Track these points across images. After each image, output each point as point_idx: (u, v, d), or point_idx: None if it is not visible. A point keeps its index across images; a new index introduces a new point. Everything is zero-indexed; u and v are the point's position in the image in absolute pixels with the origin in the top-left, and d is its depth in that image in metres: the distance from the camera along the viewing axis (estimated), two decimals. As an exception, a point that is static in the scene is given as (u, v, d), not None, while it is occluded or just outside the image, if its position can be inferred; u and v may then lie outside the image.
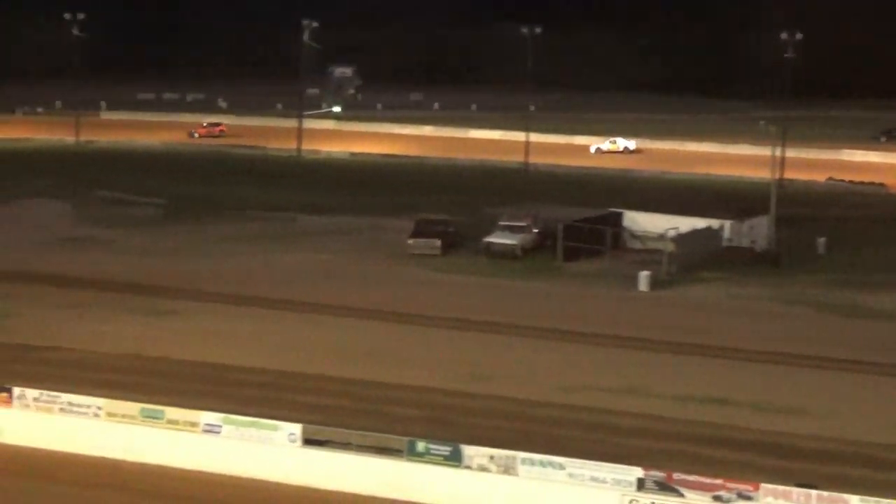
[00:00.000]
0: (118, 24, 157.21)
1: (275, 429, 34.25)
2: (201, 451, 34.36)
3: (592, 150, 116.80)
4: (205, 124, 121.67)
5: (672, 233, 62.05)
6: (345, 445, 33.73)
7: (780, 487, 29.74)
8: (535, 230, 65.96)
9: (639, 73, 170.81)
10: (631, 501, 30.86)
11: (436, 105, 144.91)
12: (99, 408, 35.85)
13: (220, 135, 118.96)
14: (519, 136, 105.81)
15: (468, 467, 32.41)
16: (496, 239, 65.00)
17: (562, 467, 31.86)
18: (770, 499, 29.67)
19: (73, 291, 54.78)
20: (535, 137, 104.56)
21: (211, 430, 34.68)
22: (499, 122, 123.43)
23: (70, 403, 36.15)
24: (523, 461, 32.13)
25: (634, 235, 67.17)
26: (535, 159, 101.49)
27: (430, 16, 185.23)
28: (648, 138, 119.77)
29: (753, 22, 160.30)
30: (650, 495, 30.87)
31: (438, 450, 32.75)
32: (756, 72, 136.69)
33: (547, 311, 53.21)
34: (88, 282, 56.73)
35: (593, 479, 31.45)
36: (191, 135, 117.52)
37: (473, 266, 62.48)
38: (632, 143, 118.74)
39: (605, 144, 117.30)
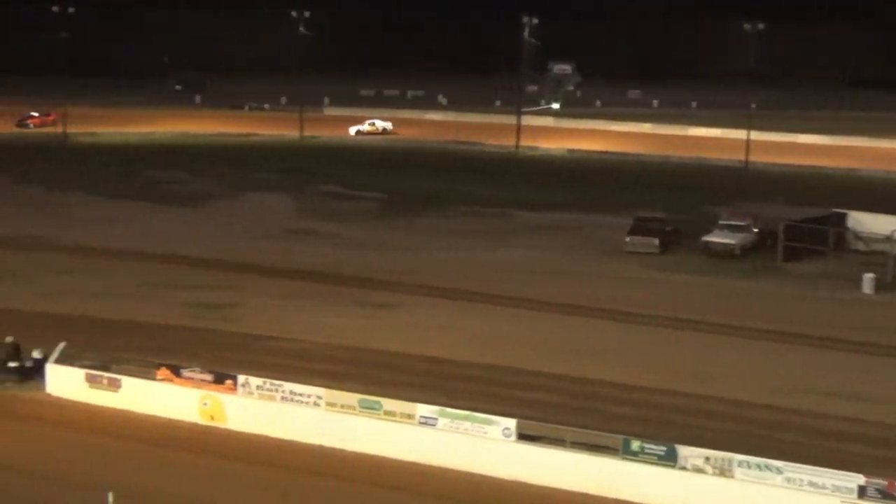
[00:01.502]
0: (342, 22, 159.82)
1: (489, 423, 34.43)
2: (417, 443, 34.82)
3: (352, 131, 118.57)
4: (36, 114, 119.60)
5: (899, 234, 60.15)
6: (559, 442, 33.74)
7: None
8: (755, 229, 64.65)
9: (866, 71, 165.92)
10: (851, 510, 30.08)
11: (655, 102, 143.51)
12: (319, 397, 36.70)
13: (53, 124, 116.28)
14: (739, 133, 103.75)
15: (683, 468, 32.06)
16: (715, 238, 64.00)
17: (779, 471, 31.21)
18: None
19: (295, 283, 56.20)
20: (755, 135, 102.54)
21: (426, 422, 35.11)
22: (719, 119, 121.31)
23: (291, 392, 37.12)
24: (740, 463, 31.60)
25: (858, 237, 65.29)
26: (755, 157, 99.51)
27: (651, 12, 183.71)
28: (868, 137, 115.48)
29: None
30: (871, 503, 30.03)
31: (653, 449, 32.49)
32: None
33: (766, 312, 52.11)
34: (309, 273, 58.00)
35: (812, 484, 30.72)
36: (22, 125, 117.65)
37: (691, 265, 61.64)
38: (389, 125, 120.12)
39: (365, 126, 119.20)
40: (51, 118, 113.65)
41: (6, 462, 23.60)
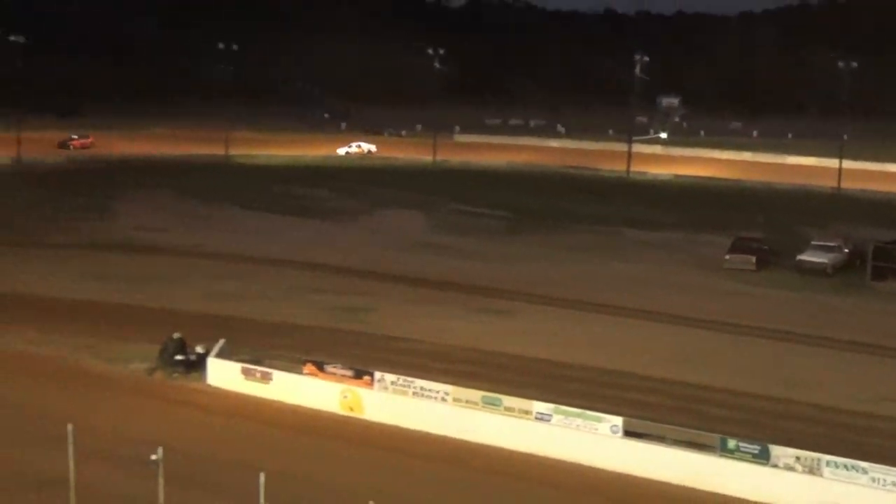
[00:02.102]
0: (473, 55, 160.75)
1: (599, 420, 34.66)
2: (533, 436, 35.10)
3: (341, 151, 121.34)
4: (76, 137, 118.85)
5: None
6: (661, 439, 33.89)
7: None
8: (846, 250, 63.94)
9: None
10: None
11: (754, 132, 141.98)
12: (446, 393, 37.23)
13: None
14: (832, 162, 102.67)
15: (775, 466, 32.00)
16: (808, 257, 63.41)
17: (865, 472, 31.00)
18: None
19: (425, 290, 56.73)
20: (847, 164, 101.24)
21: (542, 418, 35.44)
22: (813, 148, 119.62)
23: (422, 388, 37.65)
24: (828, 463, 31.43)
25: None
26: (847, 184, 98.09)
27: (751, 49, 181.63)
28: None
29: None
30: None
31: (748, 448, 32.46)
32: None
33: (854, 325, 51.43)
34: (437, 282, 58.56)
35: (874, 481, 30.56)
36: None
37: (785, 281, 61.07)
38: (373, 147, 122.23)
39: (352, 147, 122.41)
40: (89, 140, 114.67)
41: (171, 444, 24.43)
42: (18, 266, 59.51)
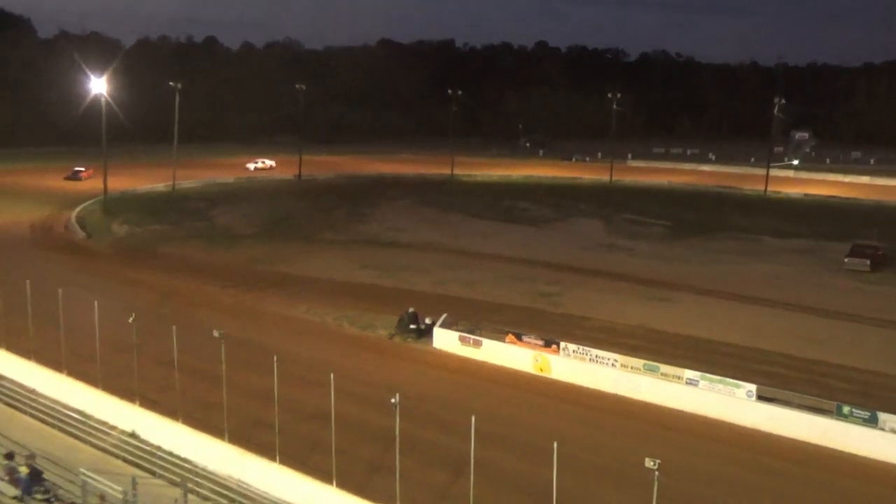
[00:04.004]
0: (643, 99, 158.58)
1: (737, 386, 33.85)
2: (684, 397, 34.57)
3: (251, 167, 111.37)
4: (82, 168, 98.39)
5: None
6: (788, 403, 32.86)
7: None
8: (950, 257, 60.32)
9: None
10: None
11: (871, 160, 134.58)
12: (615, 360, 36.92)
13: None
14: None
15: (882, 429, 30.54)
16: (917, 260, 60.17)
17: (959, 437, 29.36)
18: None
19: (603, 281, 56.00)
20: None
21: (691, 382, 34.79)
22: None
23: (596, 356, 37.46)
24: (928, 429, 29.84)
25: None
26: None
27: (872, 92, 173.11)
28: None
29: None
30: None
31: (859, 413, 31.11)
32: None
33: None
34: (612, 274, 57.76)
35: None
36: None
37: (893, 282, 57.78)
38: (273, 162, 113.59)
39: (258, 164, 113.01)
40: (91, 172, 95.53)
41: (405, 390, 24.96)
42: (304, 256, 61.99)
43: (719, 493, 26.70)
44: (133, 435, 30.67)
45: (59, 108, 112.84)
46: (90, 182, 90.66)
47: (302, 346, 39.82)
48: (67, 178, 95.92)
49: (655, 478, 19.37)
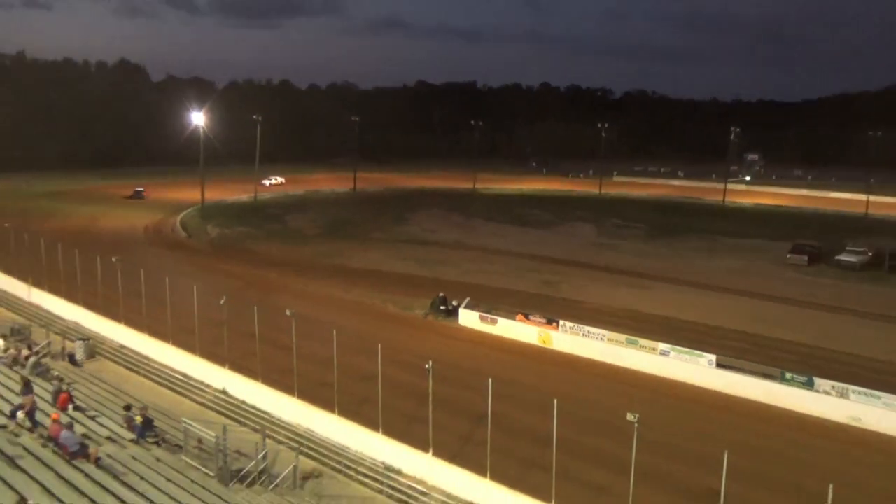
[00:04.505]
0: (625, 128, 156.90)
1: (701, 356, 33.63)
2: (658, 364, 34.38)
3: (266, 183, 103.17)
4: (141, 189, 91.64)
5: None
6: (742, 370, 32.58)
7: None
8: (871, 253, 59.17)
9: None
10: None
11: (809, 177, 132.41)
12: (604, 335, 36.74)
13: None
14: (863, 196, 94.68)
15: (817, 391, 30.24)
16: (844, 257, 59.04)
17: (879, 398, 29.01)
18: None
19: (595, 272, 55.55)
20: (874, 198, 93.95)
21: (664, 353, 34.57)
22: (850, 187, 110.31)
23: (588, 331, 37.30)
24: (854, 391, 29.46)
25: None
26: (873, 211, 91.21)
27: (809, 122, 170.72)
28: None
29: None
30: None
31: (799, 378, 30.83)
32: None
33: (875, 302, 47.55)
34: (602, 267, 57.40)
35: (886, 404, 28.65)
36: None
37: (828, 273, 56.96)
38: (283, 179, 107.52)
39: (272, 180, 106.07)
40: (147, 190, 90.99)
41: (437, 358, 24.91)
42: (358, 252, 62.09)
43: (687, 442, 26.50)
44: (224, 392, 30.92)
45: (169, 135, 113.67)
46: (187, 193, 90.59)
47: (355, 322, 39.88)
48: (128, 198, 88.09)
49: (636, 429, 19.31)
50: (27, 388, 26.26)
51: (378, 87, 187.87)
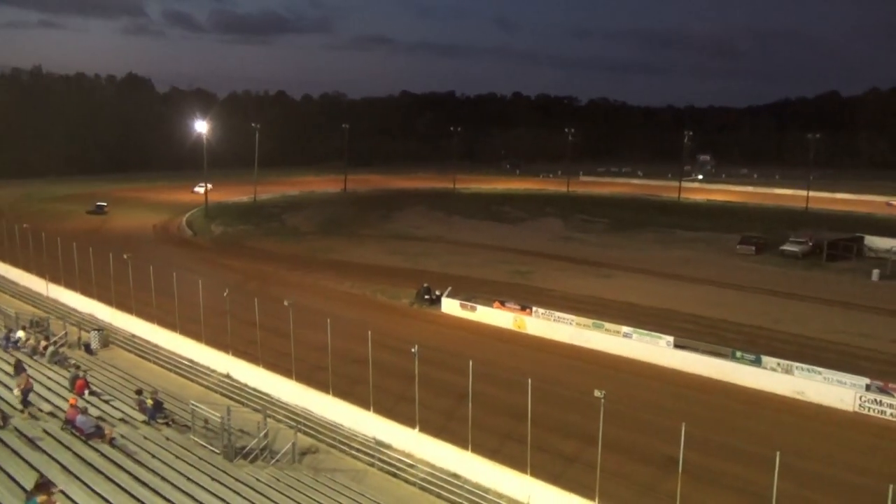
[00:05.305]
0: (590, 133, 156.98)
1: (660, 337, 33.80)
2: (621, 345, 34.51)
3: (198, 189, 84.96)
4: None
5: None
6: (696, 349, 32.77)
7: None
8: (811, 243, 59.70)
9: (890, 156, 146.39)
10: (860, 397, 27.67)
11: (755, 175, 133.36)
12: (572, 320, 36.84)
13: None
14: (803, 192, 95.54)
15: (764, 368, 30.48)
16: (787, 247, 59.46)
17: (819, 373, 29.38)
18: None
19: (562, 262, 55.44)
20: (813, 193, 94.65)
21: (627, 335, 34.73)
22: (793, 184, 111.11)
23: (559, 316, 37.40)
24: (797, 367, 29.72)
25: (871, 249, 59.09)
26: (813, 205, 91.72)
27: (753, 126, 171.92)
28: (882, 195, 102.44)
29: None
30: (874, 395, 27.53)
31: (748, 356, 31.06)
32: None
33: (815, 287, 48.00)
34: (568, 258, 57.36)
35: (838, 382, 28.66)
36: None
37: (773, 262, 57.33)
38: (210, 186, 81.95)
39: (200, 187, 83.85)
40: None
41: (422, 342, 24.76)
42: (350, 247, 61.72)
43: (648, 415, 26.57)
44: (228, 376, 30.65)
45: (174, 142, 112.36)
46: (191, 195, 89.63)
47: (347, 311, 39.70)
48: (89, 213, 75.18)
49: (602, 404, 19.33)
50: (18, 367, 25.68)
51: (366, 97, 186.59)
